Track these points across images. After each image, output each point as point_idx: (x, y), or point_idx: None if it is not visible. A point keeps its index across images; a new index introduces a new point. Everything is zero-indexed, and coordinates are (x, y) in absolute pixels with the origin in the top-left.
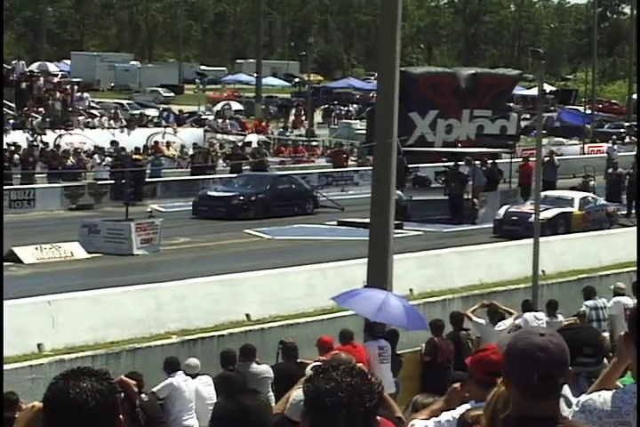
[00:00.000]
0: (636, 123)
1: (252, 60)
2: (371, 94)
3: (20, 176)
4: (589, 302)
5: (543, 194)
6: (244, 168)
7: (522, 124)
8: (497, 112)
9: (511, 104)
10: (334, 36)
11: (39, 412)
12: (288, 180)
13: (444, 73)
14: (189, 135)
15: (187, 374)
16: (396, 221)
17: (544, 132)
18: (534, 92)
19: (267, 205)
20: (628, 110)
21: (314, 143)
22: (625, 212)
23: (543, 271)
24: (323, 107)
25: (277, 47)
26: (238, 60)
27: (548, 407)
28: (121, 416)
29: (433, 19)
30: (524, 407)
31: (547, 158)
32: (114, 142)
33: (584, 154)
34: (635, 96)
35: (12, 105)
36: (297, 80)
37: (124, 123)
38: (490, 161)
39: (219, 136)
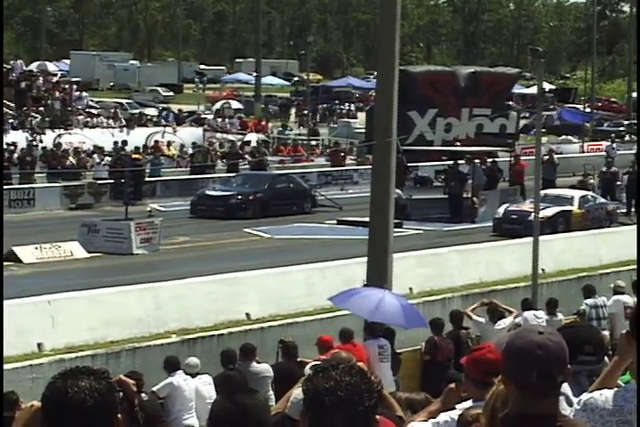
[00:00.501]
0: (635, 121)
1: (251, 60)
2: (370, 93)
3: (19, 176)
4: (589, 301)
5: (543, 192)
6: (242, 167)
7: (521, 122)
8: (496, 111)
9: (510, 103)
10: (333, 35)
11: (38, 411)
12: (286, 179)
13: (444, 72)
14: (189, 134)
15: (187, 374)
16: (396, 220)
17: (543, 130)
18: (534, 90)
19: (265, 205)
20: (627, 109)
21: (313, 142)
22: (624, 210)
23: (543, 270)
24: (324, 106)
25: (277, 46)
26: (237, 60)
27: (547, 406)
28: (119, 415)
29: (432, 17)
30: (523, 406)
31: (546, 157)
32: (124, 142)
33: (583, 152)
34: (634, 94)
35: (12, 105)
36: (296, 79)
37: (124, 122)
38: (490, 160)
39: (218, 135)
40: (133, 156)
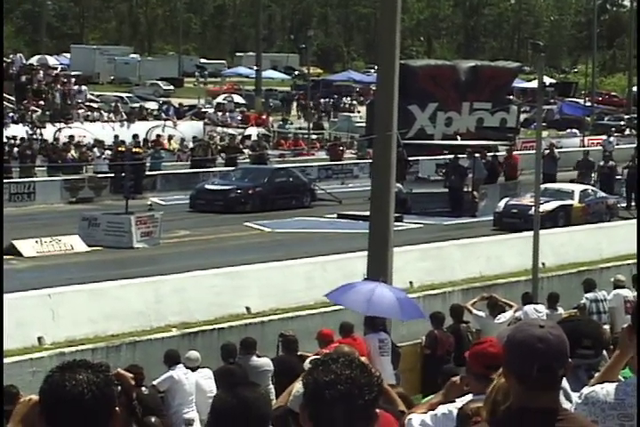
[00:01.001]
0: (635, 115)
1: (251, 53)
2: (370, 87)
3: (19, 169)
4: (589, 295)
5: (543, 186)
6: (243, 161)
7: (522, 116)
8: (497, 105)
9: (511, 97)
10: (334, 29)
11: (35, 405)
12: (286, 173)
13: (444, 66)
14: (189, 128)
15: (187, 367)
16: (396, 214)
17: (544, 124)
18: (534, 84)
19: (264, 199)
20: (627, 103)
21: (313, 136)
22: (624, 204)
23: (543, 264)
24: (328, 100)
25: (277, 40)
26: (238, 53)
27: (548, 399)
28: (117, 409)
29: (433, 11)
30: (524, 399)
31: (547, 151)
32: (135, 136)
33: (584, 146)
34: (635, 88)
35: (12, 98)
36: (297, 73)
37: (124, 116)
38: (490, 154)
39: (219, 129)
40: (134, 149)
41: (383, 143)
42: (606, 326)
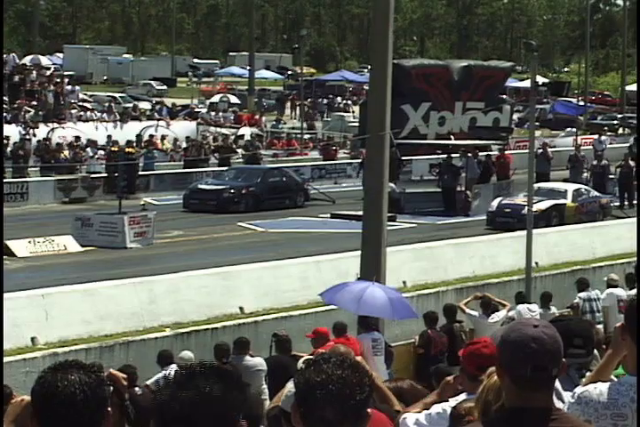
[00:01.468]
0: (629, 115)
1: (244, 53)
2: (363, 87)
3: (12, 169)
4: (583, 294)
5: (536, 186)
6: (236, 161)
7: (516, 116)
8: (490, 104)
9: (504, 96)
10: (327, 29)
11: (28, 406)
12: (279, 173)
13: (437, 65)
14: (182, 128)
15: None
16: (390, 214)
17: (537, 124)
18: (527, 84)
19: (257, 198)
20: (620, 102)
21: (306, 136)
22: (617, 203)
23: (537, 263)
24: (323, 100)
25: (270, 40)
26: (231, 53)
27: (541, 399)
28: (109, 409)
29: (426, 11)
30: (517, 399)
31: (540, 150)
32: (138, 136)
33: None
34: (628, 88)
35: (5, 98)
36: (290, 73)
37: (117, 116)
38: (484, 153)
39: (212, 129)
40: (127, 150)
41: (376, 143)
42: (600, 326)
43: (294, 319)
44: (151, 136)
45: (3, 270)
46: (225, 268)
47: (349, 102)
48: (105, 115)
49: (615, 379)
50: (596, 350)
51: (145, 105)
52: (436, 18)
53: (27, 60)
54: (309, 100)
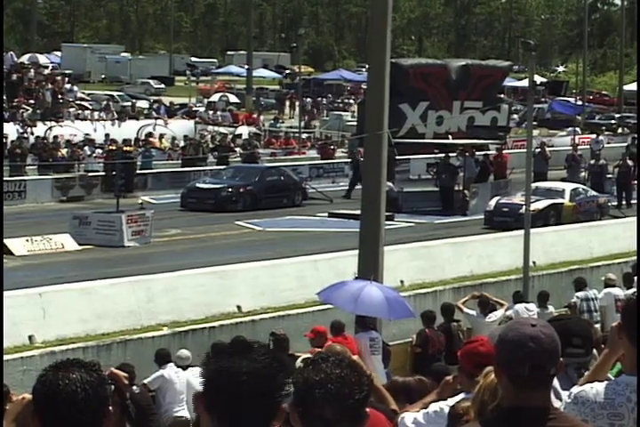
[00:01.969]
0: (627, 114)
1: (242, 52)
2: (361, 86)
3: (9, 168)
4: (580, 294)
5: (534, 185)
6: (234, 160)
7: (516, 116)
8: (488, 103)
9: (502, 95)
10: (325, 28)
11: (29, 404)
12: (277, 171)
13: (435, 64)
14: (180, 127)
15: (178, 366)
16: (387, 213)
17: (535, 123)
18: (525, 83)
19: (255, 197)
20: (618, 101)
21: (304, 135)
22: (615, 203)
23: (534, 263)
24: (323, 99)
25: (268, 39)
26: (229, 52)
27: (539, 398)
28: (110, 408)
29: (424, 10)
30: (515, 398)
31: (538, 150)
32: (149, 134)
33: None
34: (625, 87)
35: (3, 97)
36: (288, 72)
37: (115, 115)
38: (482, 153)
39: (210, 128)
40: (125, 148)
41: (374, 142)
42: (597, 325)
43: (292, 318)
44: (149, 134)
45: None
46: (222, 267)
47: (352, 102)
48: (103, 113)
49: (612, 377)
50: (595, 350)
51: (143, 104)
52: (434, 17)
53: (25, 58)
54: (308, 99)
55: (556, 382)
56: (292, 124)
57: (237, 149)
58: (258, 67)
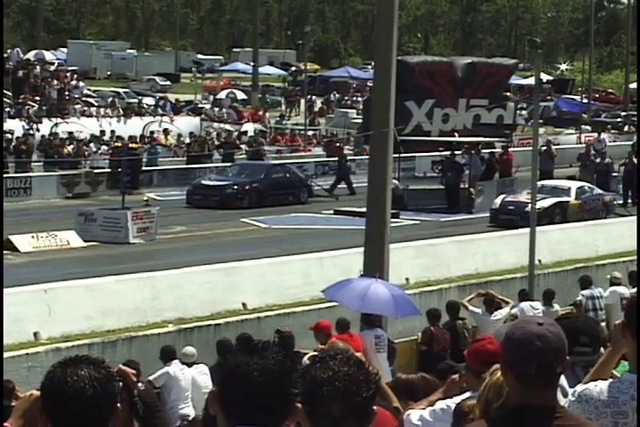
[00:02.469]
0: (633, 112)
1: (248, 49)
2: (367, 83)
3: (15, 164)
4: (586, 292)
5: (540, 183)
6: (240, 157)
7: (525, 112)
8: (493, 101)
9: (508, 93)
10: (331, 25)
11: (37, 400)
12: (282, 169)
13: (441, 62)
14: (186, 124)
15: (183, 363)
16: (393, 211)
17: (541, 121)
18: (531, 81)
19: (261, 194)
20: (624, 100)
21: (310, 132)
22: (621, 201)
23: (540, 261)
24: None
25: (274, 36)
26: (235, 49)
27: (546, 397)
28: (119, 405)
29: (430, 8)
30: (522, 396)
31: (544, 148)
32: (153, 132)
33: (581, 143)
34: (631, 86)
35: (9, 93)
36: (294, 69)
37: (121, 111)
38: (488, 151)
39: (215, 125)
40: (130, 145)
41: (380, 140)
42: (602, 324)
43: (297, 316)
44: (154, 132)
45: (2, 266)
46: (228, 264)
47: (359, 99)
48: (109, 110)
49: (618, 375)
50: (602, 349)
51: (149, 100)
52: (441, 15)
53: (31, 55)
54: (325, 96)
55: (563, 380)
56: (297, 121)
57: (243, 146)
58: (264, 64)
